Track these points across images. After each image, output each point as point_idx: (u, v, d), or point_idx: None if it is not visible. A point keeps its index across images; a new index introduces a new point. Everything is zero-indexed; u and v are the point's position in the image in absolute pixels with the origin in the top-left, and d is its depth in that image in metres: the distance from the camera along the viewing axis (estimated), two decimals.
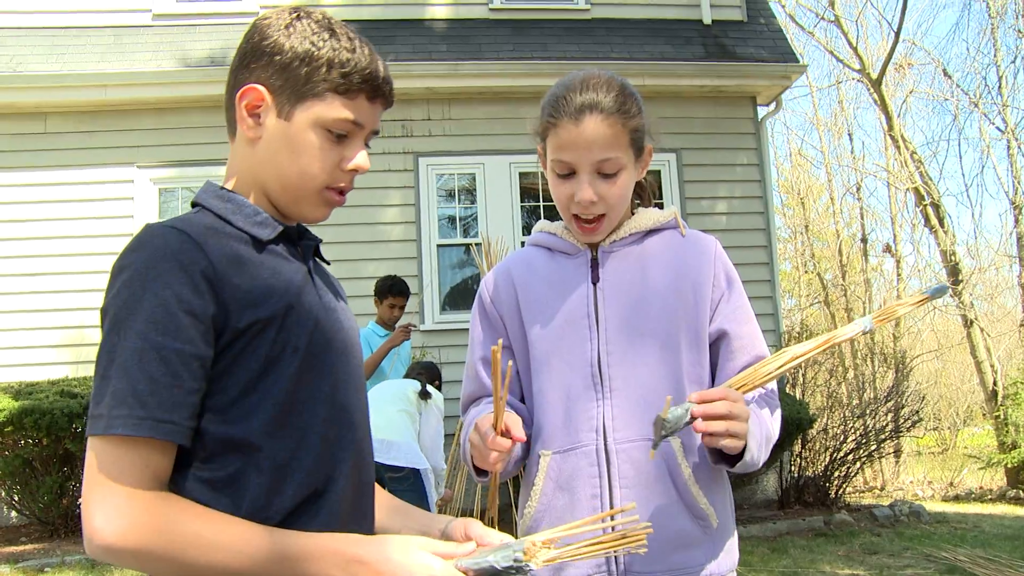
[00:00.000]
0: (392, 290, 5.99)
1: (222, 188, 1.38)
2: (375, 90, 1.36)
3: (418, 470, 4.88)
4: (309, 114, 1.32)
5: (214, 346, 1.20)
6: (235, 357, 1.22)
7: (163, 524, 1.12)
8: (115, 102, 8.57)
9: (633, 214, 1.76)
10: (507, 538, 1.33)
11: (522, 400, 1.75)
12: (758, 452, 1.56)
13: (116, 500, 1.11)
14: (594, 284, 1.69)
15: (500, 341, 1.42)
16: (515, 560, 1.22)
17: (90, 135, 8.61)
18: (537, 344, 1.68)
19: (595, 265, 1.70)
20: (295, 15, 1.35)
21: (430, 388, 5.28)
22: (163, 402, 1.13)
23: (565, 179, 1.65)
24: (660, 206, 1.80)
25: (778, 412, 1.69)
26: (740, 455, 1.55)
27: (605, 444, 1.60)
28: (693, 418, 1.42)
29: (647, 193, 1.84)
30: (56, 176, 8.52)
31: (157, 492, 1.14)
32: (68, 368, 7.95)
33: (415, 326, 5.80)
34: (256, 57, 1.34)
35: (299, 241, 1.43)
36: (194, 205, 1.37)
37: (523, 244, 1.90)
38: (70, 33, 8.88)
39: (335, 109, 1.33)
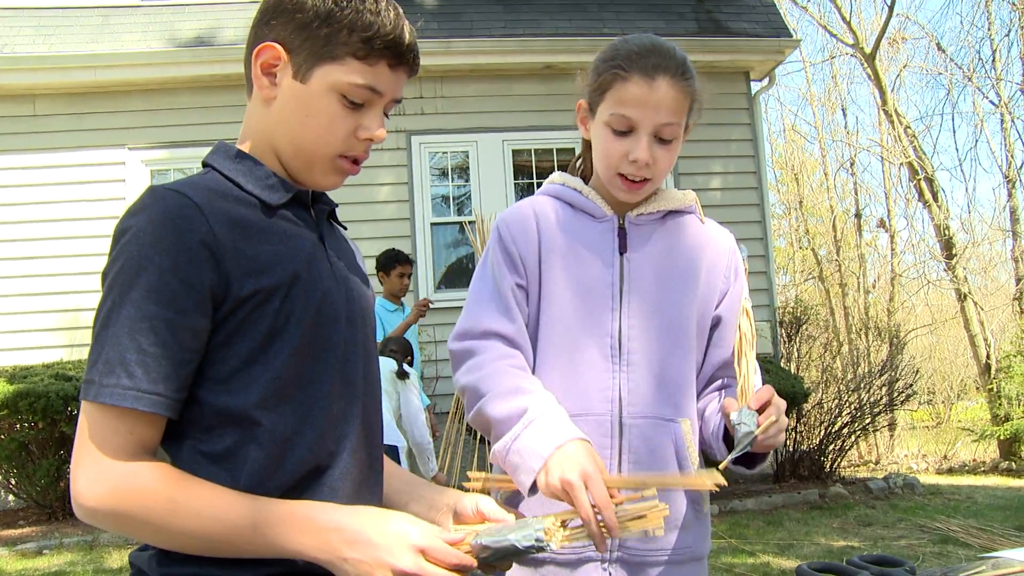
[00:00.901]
0: (399, 258, 5.97)
1: (234, 148, 1.34)
2: (398, 57, 1.30)
3: (394, 447, 4.93)
4: (327, 78, 1.27)
5: (212, 315, 1.18)
6: (237, 326, 1.19)
7: (141, 489, 1.12)
8: (105, 83, 8.52)
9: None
10: (510, 519, 1.31)
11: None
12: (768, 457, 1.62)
13: (99, 465, 1.12)
14: (621, 254, 1.65)
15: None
16: (536, 540, 1.19)
17: (80, 117, 8.56)
18: (555, 303, 1.62)
19: (622, 234, 1.66)
20: None
21: (405, 368, 5.30)
22: (150, 373, 1.12)
23: (621, 136, 1.59)
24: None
25: None
26: (763, 459, 1.59)
27: (620, 416, 1.58)
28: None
29: None
30: (47, 159, 8.47)
31: (141, 459, 1.14)
32: (63, 351, 7.94)
33: (432, 301, 5.74)
34: (277, 14, 1.29)
35: (313, 205, 1.40)
36: (205, 165, 1.33)
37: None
38: (58, 14, 8.81)
39: (354, 74, 1.27)
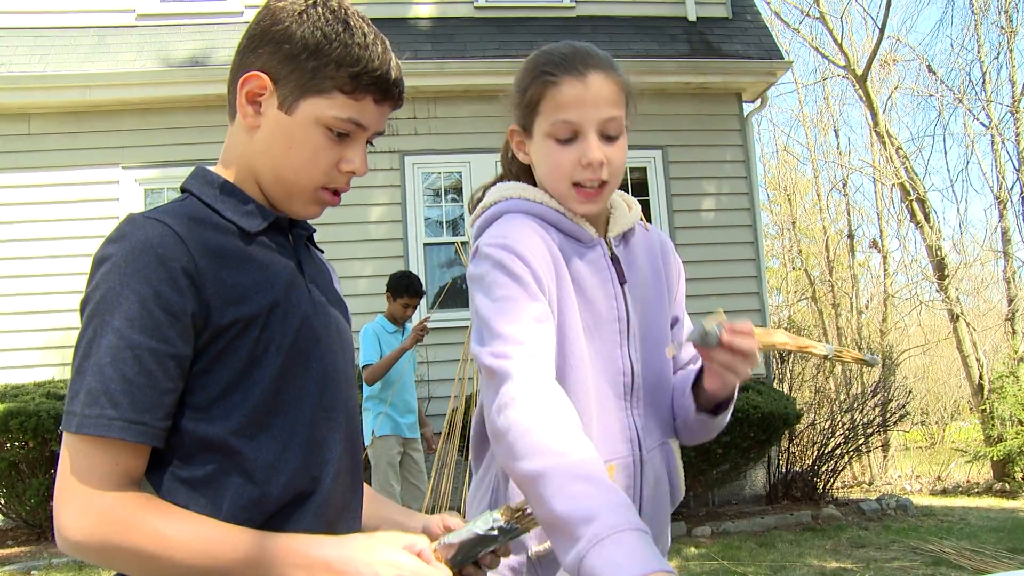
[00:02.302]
0: (408, 290, 5.80)
1: (213, 174, 1.33)
2: (384, 93, 1.30)
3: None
4: (312, 111, 1.26)
5: (194, 344, 1.17)
6: (217, 355, 1.19)
7: (126, 522, 1.11)
8: (99, 103, 8.53)
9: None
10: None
11: None
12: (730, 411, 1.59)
13: (83, 499, 1.11)
14: (621, 284, 1.56)
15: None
16: (494, 521, 1.19)
17: (74, 136, 8.57)
18: (570, 339, 1.47)
19: (615, 261, 1.57)
20: (311, 1, 1.27)
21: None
22: (135, 403, 1.11)
23: (566, 144, 1.49)
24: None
25: None
26: (726, 406, 1.56)
27: (641, 455, 1.54)
28: (719, 344, 1.38)
29: None
30: (41, 177, 8.48)
31: (126, 491, 1.13)
32: (54, 370, 7.92)
33: (427, 329, 5.67)
34: (264, 42, 1.28)
35: (291, 230, 1.39)
36: (183, 191, 1.32)
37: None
38: (53, 33, 8.83)
39: (340, 109, 1.27)
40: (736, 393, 1.58)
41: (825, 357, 1.50)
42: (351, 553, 1.15)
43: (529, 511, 1.22)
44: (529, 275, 1.42)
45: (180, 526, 1.13)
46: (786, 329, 8.40)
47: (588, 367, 1.48)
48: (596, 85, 1.48)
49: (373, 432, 5.55)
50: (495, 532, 1.20)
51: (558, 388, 1.32)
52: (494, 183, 1.67)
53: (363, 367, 5.59)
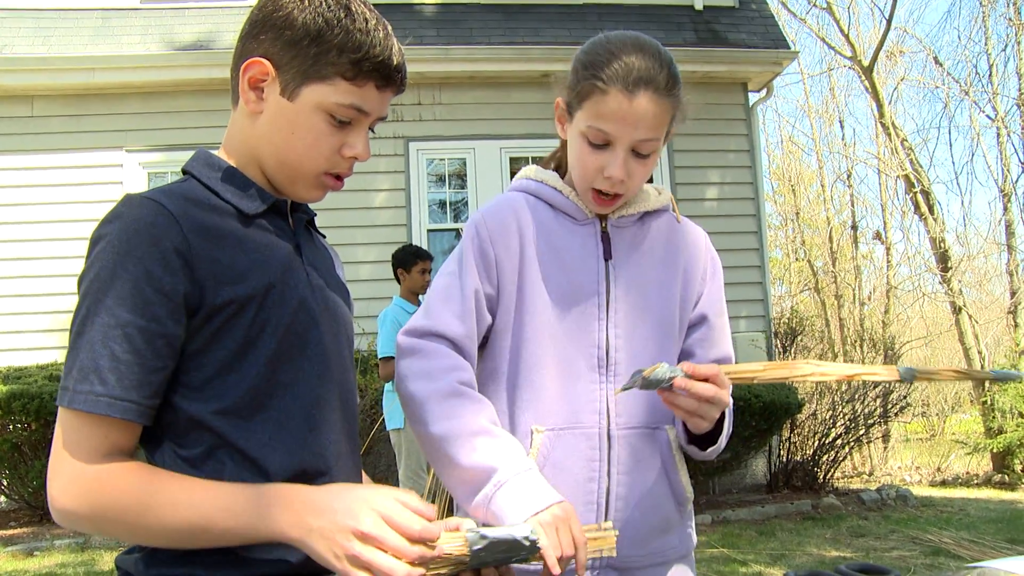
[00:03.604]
0: (420, 255, 5.68)
1: (217, 157, 1.34)
2: (386, 79, 1.30)
3: None
4: (314, 96, 1.27)
5: (187, 324, 1.18)
6: (213, 335, 1.19)
7: (114, 487, 1.13)
8: (103, 86, 8.52)
9: None
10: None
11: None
12: (724, 441, 1.58)
13: (73, 468, 1.13)
14: (606, 260, 1.59)
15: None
16: (532, 533, 1.20)
17: (78, 119, 8.57)
18: (537, 312, 1.55)
19: (605, 239, 1.60)
20: None
21: None
22: (123, 380, 1.13)
23: (597, 149, 1.52)
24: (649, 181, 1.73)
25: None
26: (712, 441, 1.56)
27: (608, 428, 1.55)
28: (672, 386, 1.37)
29: None
30: (44, 160, 8.47)
31: (113, 461, 1.15)
32: (57, 353, 7.92)
33: None
34: (266, 28, 1.28)
35: (292, 213, 1.39)
36: (184, 172, 1.33)
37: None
38: (56, 15, 8.82)
39: (342, 95, 1.27)
40: (728, 427, 1.57)
41: (900, 381, 1.51)
42: (329, 492, 1.15)
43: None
44: (476, 252, 1.55)
45: (165, 486, 1.14)
46: (787, 321, 8.34)
47: (551, 335, 1.55)
48: (642, 107, 1.48)
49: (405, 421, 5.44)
50: (528, 543, 1.19)
51: (452, 360, 1.48)
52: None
53: (382, 359, 5.45)
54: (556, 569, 1.25)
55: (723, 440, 1.57)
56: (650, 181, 1.68)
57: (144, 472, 1.16)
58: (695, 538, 1.70)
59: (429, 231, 8.85)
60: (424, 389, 1.46)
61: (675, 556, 1.62)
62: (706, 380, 1.39)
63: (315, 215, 1.47)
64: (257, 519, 1.13)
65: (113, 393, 1.12)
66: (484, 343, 1.61)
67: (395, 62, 1.31)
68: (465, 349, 1.53)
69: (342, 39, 1.26)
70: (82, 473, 1.13)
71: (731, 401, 1.54)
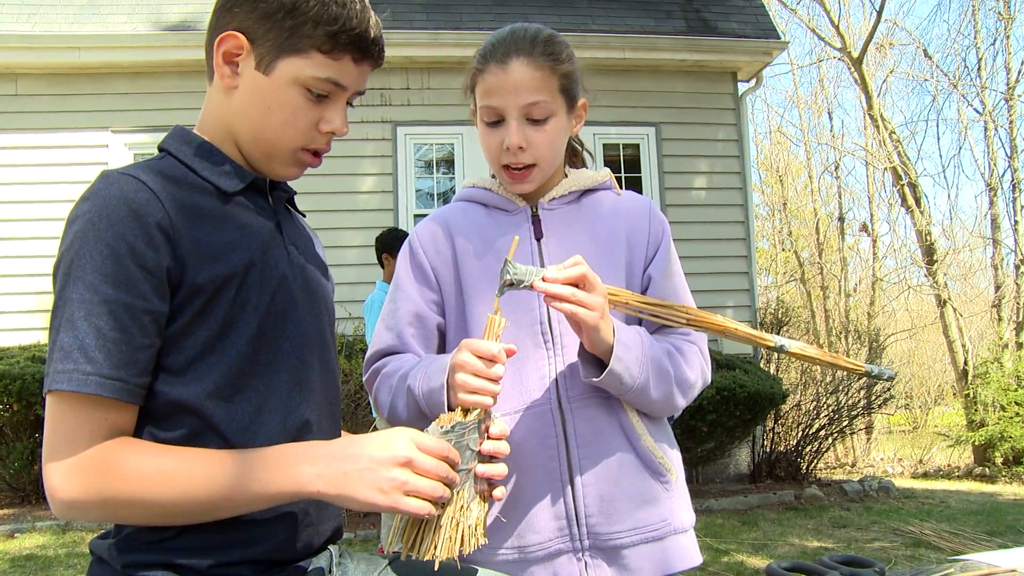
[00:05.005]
0: (404, 239, 5.56)
1: (192, 133, 1.31)
2: (363, 52, 1.29)
3: None
4: (290, 70, 1.25)
5: (170, 302, 1.15)
6: (194, 316, 1.17)
7: (125, 465, 1.09)
8: (89, 65, 8.44)
9: (566, 175, 1.73)
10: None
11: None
12: (639, 371, 1.49)
13: (74, 455, 1.09)
14: (537, 240, 1.63)
15: (516, 238, 1.41)
16: (448, 422, 1.26)
17: (63, 98, 8.48)
18: (479, 303, 1.60)
19: (536, 222, 1.65)
20: None
21: None
22: (111, 358, 1.09)
23: (494, 127, 1.61)
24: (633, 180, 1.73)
25: (698, 364, 1.63)
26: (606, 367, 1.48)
27: (559, 402, 1.55)
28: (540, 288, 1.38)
29: (580, 156, 1.80)
30: (28, 139, 8.39)
31: (106, 441, 1.11)
32: (40, 334, 7.87)
33: None
34: (240, 1, 1.26)
35: (271, 192, 1.37)
36: (161, 150, 1.31)
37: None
38: None
39: (318, 68, 1.25)
40: (636, 355, 1.49)
41: (775, 349, 1.52)
42: (349, 439, 1.17)
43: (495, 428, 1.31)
44: (411, 265, 1.69)
45: (177, 457, 1.11)
46: (773, 311, 8.37)
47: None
48: (517, 73, 1.56)
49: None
50: (454, 427, 1.24)
51: (396, 363, 1.61)
52: None
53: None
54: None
55: (635, 370, 1.49)
56: (638, 171, 1.67)
57: (153, 446, 1.13)
58: (693, 515, 1.66)
59: (416, 216, 8.82)
60: (388, 398, 1.58)
61: (668, 531, 1.57)
62: (576, 285, 1.39)
63: (295, 193, 1.45)
64: (282, 479, 1.11)
65: (102, 372, 1.08)
66: (444, 343, 1.69)
67: (372, 35, 1.29)
68: (402, 347, 1.65)
69: (318, 11, 1.23)
70: (85, 459, 1.08)
71: (662, 343, 1.58)
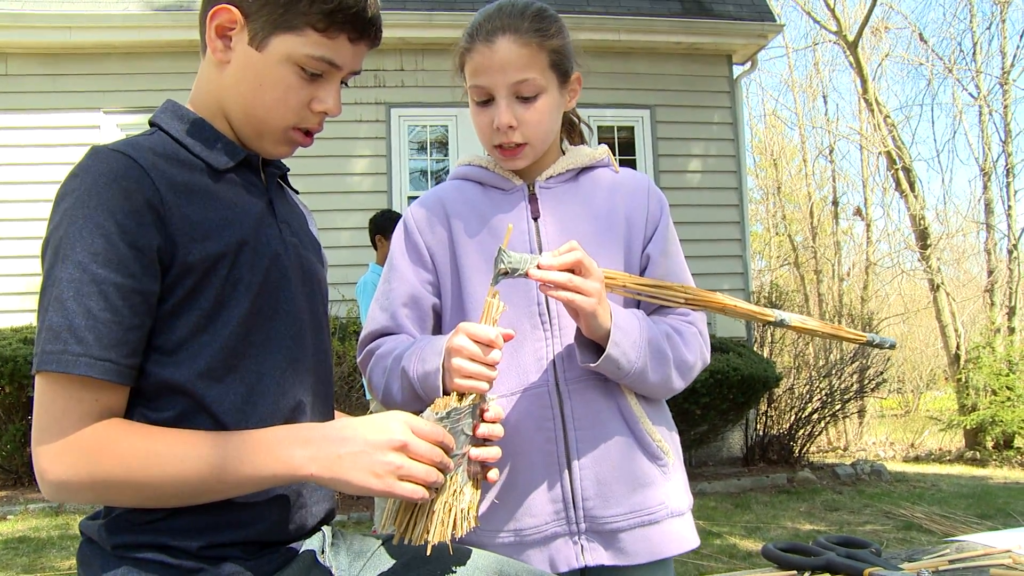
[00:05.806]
0: (398, 221, 5.48)
1: (184, 108, 1.29)
2: (360, 31, 1.26)
3: None
4: (283, 48, 1.22)
5: (161, 281, 1.13)
6: (186, 295, 1.15)
7: (114, 447, 1.08)
8: (81, 45, 8.36)
9: (563, 152, 1.70)
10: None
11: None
12: (636, 355, 1.48)
13: (62, 436, 1.07)
14: (535, 220, 1.61)
15: (510, 227, 1.38)
16: (444, 407, 1.24)
17: (54, 78, 8.41)
18: (476, 283, 1.58)
19: (533, 200, 1.63)
20: None
21: None
22: (101, 338, 1.07)
23: (484, 106, 1.58)
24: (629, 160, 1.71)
25: (697, 345, 1.61)
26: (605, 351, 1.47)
27: (557, 384, 1.54)
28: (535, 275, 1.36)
29: (577, 131, 1.78)
30: (19, 120, 8.32)
31: (97, 422, 1.09)
32: (32, 316, 7.83)
33: None
34: None
35: (264, 168, 1.35)
36: (152, 125, 1.28)
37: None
38: None
39: (312, 46, 1.22)
40: (633, 339, 1.47)
41: (776, 324, 1.52)
42: (344, 422, 1.16)
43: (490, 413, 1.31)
44: (405, 245, 1.66)
45: (167, 439, 1.10)
46: (767, 295, 8.40)
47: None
48: (503, 49, 1.54)
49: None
50: (449, 413, 1.23)
51: (390, 344, 1.59)
52: None
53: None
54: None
55: (632, 353, 1.47)
56: (632, 154, 1.66)
57: (141, 427, 1.11)
58: (690, 498, 1.65)
59: (410, 198, 8.78)
60: (383, 379, 1.56)
61: (665, 514, 1.56)
62: (572, 271, 1.37)
63: (288, 170, 1.43)
64: (274, 462, 1.10)
65: (92, 352, 1.06)
66: (440, 324, 1.67)
67: (369, 14, 1.26)
68: (397, 328, 1.63)
69: None
70: (75, 440, 1.07)
71: (659, 325, 1.56)
